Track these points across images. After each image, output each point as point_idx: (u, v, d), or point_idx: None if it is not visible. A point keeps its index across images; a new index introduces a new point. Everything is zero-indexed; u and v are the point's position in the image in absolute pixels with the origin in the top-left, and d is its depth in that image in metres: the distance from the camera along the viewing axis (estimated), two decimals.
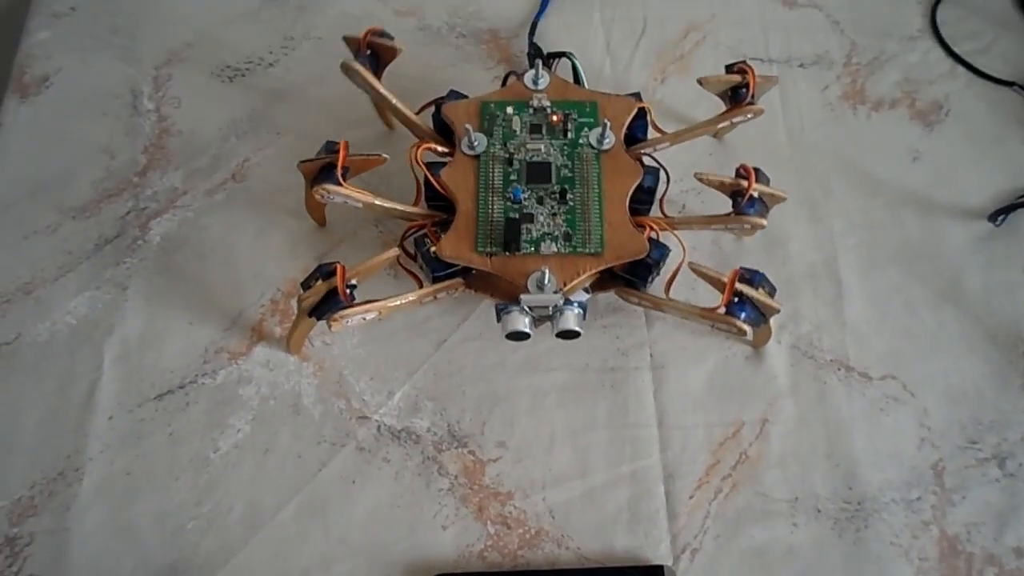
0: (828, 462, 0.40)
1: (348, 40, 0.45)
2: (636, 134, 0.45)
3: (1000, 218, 0.45)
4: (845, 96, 0.51)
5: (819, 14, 0.54)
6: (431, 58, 0.52)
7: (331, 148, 0.41)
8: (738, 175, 0.40)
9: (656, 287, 0.42)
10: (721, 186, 0.41)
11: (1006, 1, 0.54)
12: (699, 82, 0.43)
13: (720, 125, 0.44)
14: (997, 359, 0.42)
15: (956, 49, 0.52)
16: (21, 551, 0.38)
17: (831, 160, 0.48)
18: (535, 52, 0.50)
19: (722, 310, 0.37)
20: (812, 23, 0.53)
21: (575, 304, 0.39)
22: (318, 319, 0.38)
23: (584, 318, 0.39)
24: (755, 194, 0.40)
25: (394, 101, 0.44)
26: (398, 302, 0.40)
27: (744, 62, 0.43)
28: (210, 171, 0.48)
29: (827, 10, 0.54)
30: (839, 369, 0.42)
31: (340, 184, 0.40)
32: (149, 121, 0.50)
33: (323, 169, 0.41)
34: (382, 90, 0.44)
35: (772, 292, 0.39)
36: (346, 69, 0.43)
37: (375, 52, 0.44)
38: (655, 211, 0.44)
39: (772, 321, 0.40)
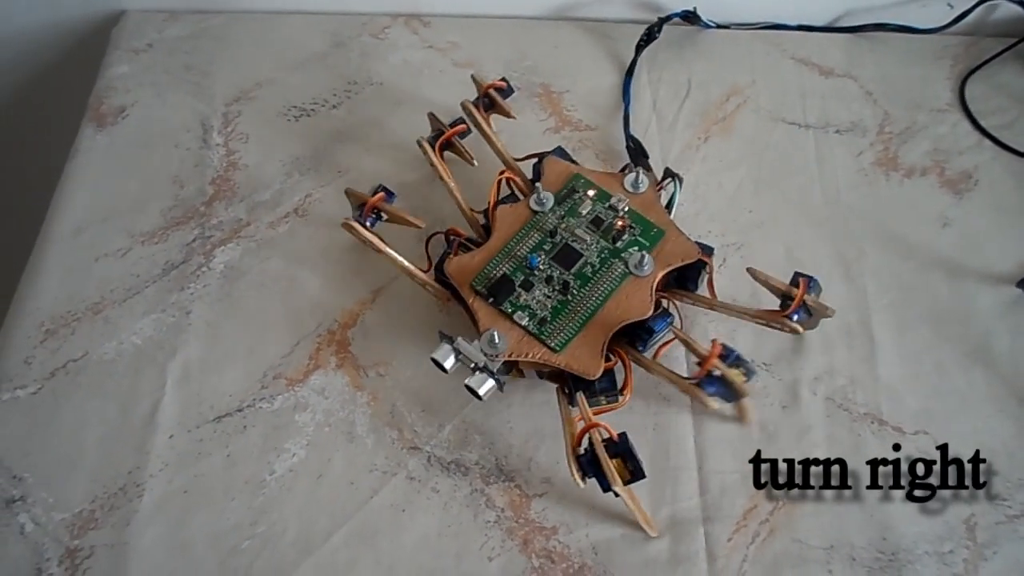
0: (862, 512, 0.42)
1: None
2: (687, 283, 0.44)
3: None
4: (878, 162, 0.53)
5: (854, 84, 0.57)
6: None
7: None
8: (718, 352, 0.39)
9: None
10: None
11: None
12: (748, 271, 0.42)
13: (757, 321, 0.43)
14: None
15: (983, 123, 0.55)
16: (81, 563, 0.39)
17: (864, 222, 0.51)
18: (636, 147, 0.51)
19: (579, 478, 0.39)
20: (847, 92, 0.56)
21: (496, 376, 0.40)
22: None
23: (500, 390, 0.40)
24: (716, 372, 0.39)
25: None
26: (393, 255, 0.44)
27: (809, 279, 0.42)
28: (273, 204, 0.51)
29: (861, 81, 0.57)
30: (872, 422, 0.44)
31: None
32: (217, 155, 0.52)
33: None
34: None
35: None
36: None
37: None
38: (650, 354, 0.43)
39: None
